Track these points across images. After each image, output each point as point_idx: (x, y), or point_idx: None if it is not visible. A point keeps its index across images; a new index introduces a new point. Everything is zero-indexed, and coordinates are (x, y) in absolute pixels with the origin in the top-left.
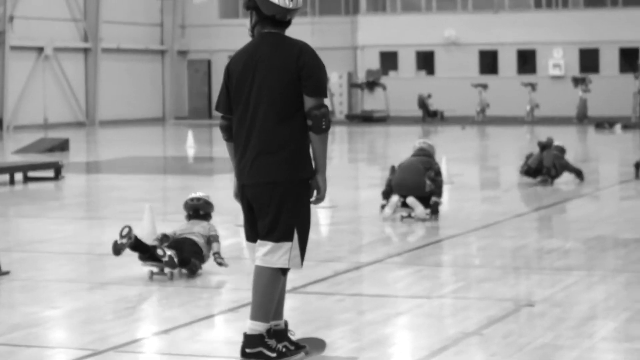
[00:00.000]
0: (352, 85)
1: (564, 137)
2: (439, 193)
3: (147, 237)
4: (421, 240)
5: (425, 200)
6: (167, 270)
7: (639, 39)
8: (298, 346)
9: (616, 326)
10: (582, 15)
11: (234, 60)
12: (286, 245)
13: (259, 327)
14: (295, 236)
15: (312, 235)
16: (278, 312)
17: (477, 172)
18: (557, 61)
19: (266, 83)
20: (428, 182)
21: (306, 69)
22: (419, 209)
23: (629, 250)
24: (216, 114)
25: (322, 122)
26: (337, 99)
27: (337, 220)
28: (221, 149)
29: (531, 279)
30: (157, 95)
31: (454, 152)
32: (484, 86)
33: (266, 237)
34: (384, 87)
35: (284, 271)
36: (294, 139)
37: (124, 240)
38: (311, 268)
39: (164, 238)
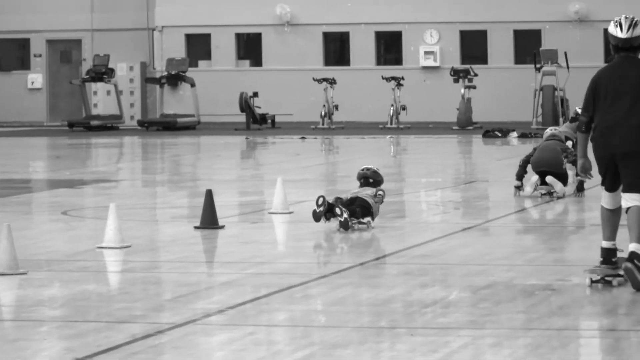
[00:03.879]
0: (148, 80)
1: (442, 150)
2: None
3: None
4: (249, 292)
5: (561, 178)
6: (350, 223)
7: (540, 17)
8: None
9: None
10: None
11: (601, 73)
12: None
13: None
14: None
15: (96, 287)
16: None
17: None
18: (431, 47)
19: (628, 88)
20: (565, 161)
21: None
22: (559, 186)
23: (535, 301)
24: None
25: None
26: (126, 98)
27: (131, 266)
28: None
29: (403, 344)
30: None
31: (291, 172)
32: (331, 81)
33: (633, 189)
34: (191, 83)
35: None
36: None
37: (322, 208)
38: (97, 331)
39: (338, 199)
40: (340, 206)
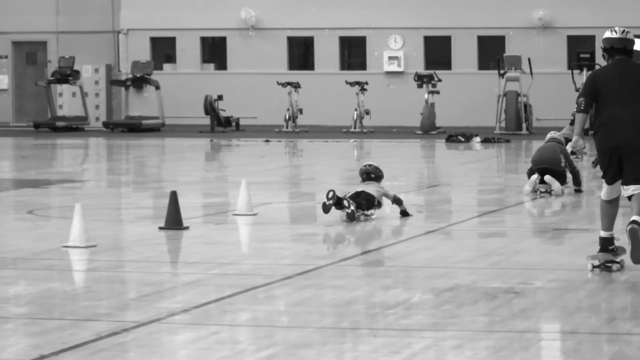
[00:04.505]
0: (113, 82)
1: (405, 154)
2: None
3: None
4: (213, 292)
5: (560, 176)
6: (356, 215)
7: (504, 24)
8: None
9: None
10: None
11: (601, 73)
12: None
13: None
14: None
15: (62, 285)
16: None
17: (287, 202)
18: (395, 52)
19: (624, 85)
20: (563, 159)
21: None
22: (556, 185)
23: (497, 303)
24: None
25: None
26: (91, 100)
27: (96, 265)
28: None
29: (366, 344)
30: None
31: (255, 175)
32: (295, 85)
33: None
34: (156, 86)
35: None
36: None
37: (331, 202)
38: (63, 329)
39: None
40: (348, 199)
